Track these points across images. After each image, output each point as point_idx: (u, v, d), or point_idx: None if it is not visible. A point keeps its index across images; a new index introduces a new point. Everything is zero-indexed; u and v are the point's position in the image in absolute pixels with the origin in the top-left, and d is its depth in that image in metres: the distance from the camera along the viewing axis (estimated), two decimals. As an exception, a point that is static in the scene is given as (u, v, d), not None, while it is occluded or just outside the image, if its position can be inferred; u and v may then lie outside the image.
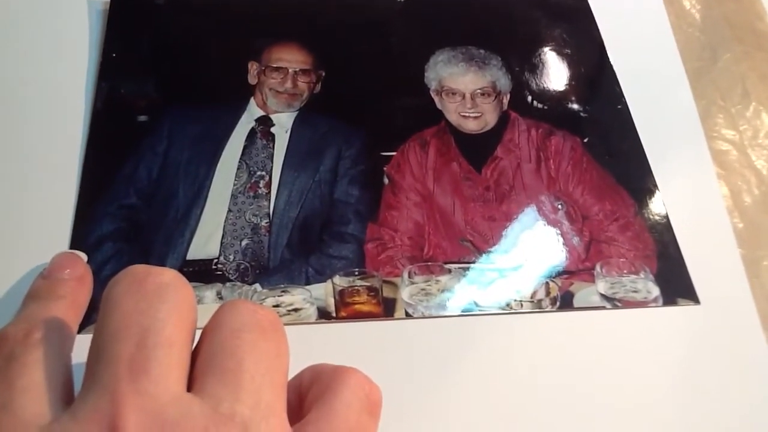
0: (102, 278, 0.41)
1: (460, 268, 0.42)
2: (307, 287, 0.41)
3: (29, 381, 0.25)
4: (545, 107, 0.49)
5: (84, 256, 0.36)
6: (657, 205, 0.45)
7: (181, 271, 0.40)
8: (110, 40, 0.49)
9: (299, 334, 0.38)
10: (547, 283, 0.41)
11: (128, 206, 0.43)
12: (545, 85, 0.50)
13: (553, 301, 0.41)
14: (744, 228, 0.47)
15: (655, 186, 0.46)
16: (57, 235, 0.42)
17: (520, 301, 0.41)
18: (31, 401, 0.24)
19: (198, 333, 0.27)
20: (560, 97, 0.50)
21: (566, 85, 0.51)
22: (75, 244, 0.41)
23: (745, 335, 0.41)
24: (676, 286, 0.42)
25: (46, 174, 0.44)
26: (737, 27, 0.59)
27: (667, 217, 0.45)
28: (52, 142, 0.45)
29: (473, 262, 0.42)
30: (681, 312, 0.41)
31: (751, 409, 0.38)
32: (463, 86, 0.49)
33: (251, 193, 0.44)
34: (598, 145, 0.48)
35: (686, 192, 0.47)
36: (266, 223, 0.43)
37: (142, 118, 0.47)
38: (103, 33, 0.50)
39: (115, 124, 0.46)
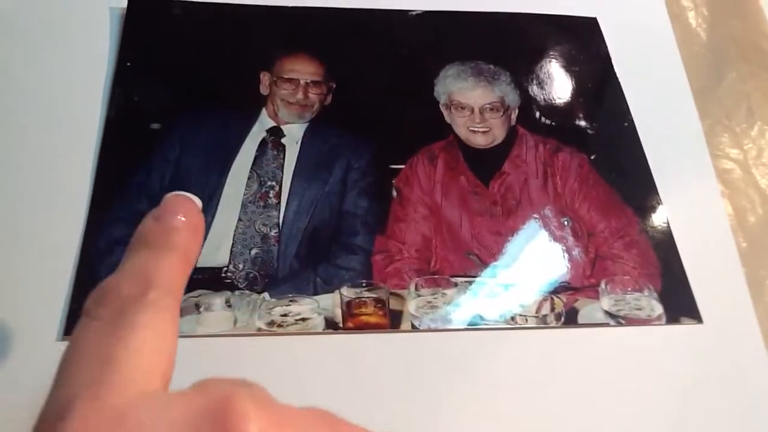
0: (112, 284, 0.41)
1: (466, 281, 0.42)
2: (315, 297, 0.41)
3: (142, 342, 0.23)
4: (553, 123, 0.50)
5: (199, 202, 0.31)
6: (661, 224, 0.46)
7: (190, 277, 0.41)
8: (125, 48, 0.50)
9: (306, 343, 0.38)
10: (552, 298, 0.42)
11: (140, 212, 0.44)
12: (553, 102, 0.51)
13: (558, 317, 0.41)
14: (748, 247, 0.47)
15: (660, 204, 0.47)
16: (68, 238, 0.42)
17: (525, 316, 0.41)
18: (142, 363, 0.23)
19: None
20: (568, 114, 0.51)
21: (574, 101, 0.51)
22: (86, 248, 0.42)
23: (747, 355, 0.41)
24: (680, 304, 0.42)
25: (59, 178, 0.44)
26: (743, 46, 0.59)
27: (671, 235, 0.45)
28: (66, 147, 0.46)
29: (479, 276, 0.43)
30: (684, 331, 0.42)
31: (753, 429, 0.39)
32: (472, 101, 0.50)
33: (261, 203, 0.45)
34: (605, 162, 0.48)
35: (691, 211, 0.47)
36: (275, 233, 0.44)
37: (155, 125, 0.47)
38: (119, 42, 0.51)
39: (128, 131, 0.47)
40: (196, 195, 0.43)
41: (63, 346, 0.37)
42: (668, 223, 0.46)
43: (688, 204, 0.48)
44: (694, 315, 0.42)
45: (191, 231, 0.28)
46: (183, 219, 0.28)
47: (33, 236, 0.42)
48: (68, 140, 0.46)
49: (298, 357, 0.38)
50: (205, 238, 0.43)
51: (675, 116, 0.52)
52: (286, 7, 0.53)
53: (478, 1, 0.55)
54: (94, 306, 0.24)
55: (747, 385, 0.40)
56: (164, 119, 0.48)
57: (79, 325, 0.24)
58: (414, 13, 0.54)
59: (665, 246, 0.45)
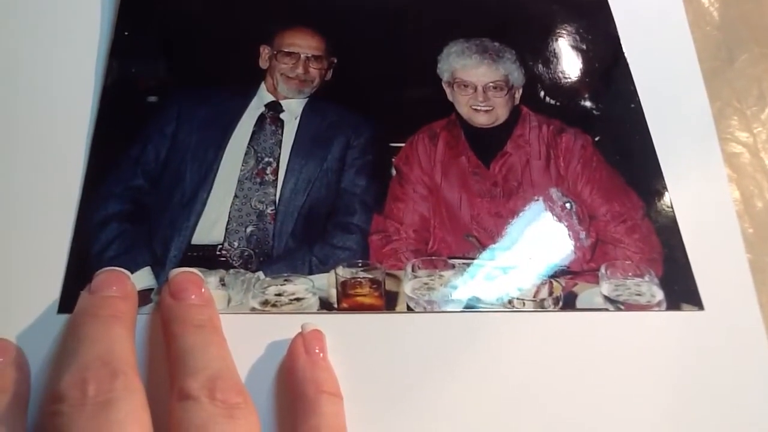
0: (106, 258, 0.41)
1: (463, 263, 0.42)
2: (310, 277, 0.41)
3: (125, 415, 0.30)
4: (557, 103, 0.49)
5: (129, 274, 0.38)
6: (666, 208, 0.45)
7: (185, 255, 0.41)
8: (123, 17, 0.49)
9: (300, 323, 0.38)
10: (550, 282, 0.41)
11: (135, 188, 0.43)
12: (558, 81, 0.50)
13: (556, 301, 0.41)
14: (754, 233, 0.46)
15: (665, 188, 0.46)
16: (62, 213, 0.42)
17: (523, 299, 0.40)
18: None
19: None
20: (573, 94, 0.49)
21: (580, 81, 0.50)
22: (80, 222, 0.42)
23: (748, 343, 0.40)
24: (681, 290, 0.42)
25: (53, 152, 0.44)
26: (756, 28, 0.58)
27: (675, 220, 0.44)
28: (60, 120, 0.45)
29: (477, 258, 0.42)
30: (684, 317, 0.41)
31: (754, 418, 0.38)
32: (475, 79, 0.48)
33: (258, 180, 0.44)
34: (609, 144, 0.47)
35: (696, 195, 0.46)
36: (272, 210, 0.43)
37: (152, 98, 0.47)
38: (117, 10, 0.50)
39: (124, 104, 0.46)
40: (192, 171, 0.43)
41: (62, 319, 0.37)
42: (672, 208, 0.45)
43: (694, 188, 0.47)
44: (696, 301, 0.41)
45: (127, 299, 0.33)
46: (115, 288, 0.36)
47: (29, 210, 0.42)
48: (63, 112, 0.45)
49: (290, 337, 0.37)
50: (201, 215, 0.42)
51: (683, 98, 0.51)
52: (288, -21, 0.52)
53: (485, -23, 0.54)
54: (69, 409, 0.30)
55: (748, 373, 0.40)
56: (161, 92, 0.47)
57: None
58: (419, -13, 0.53)
59: (669, 231, 0.44)
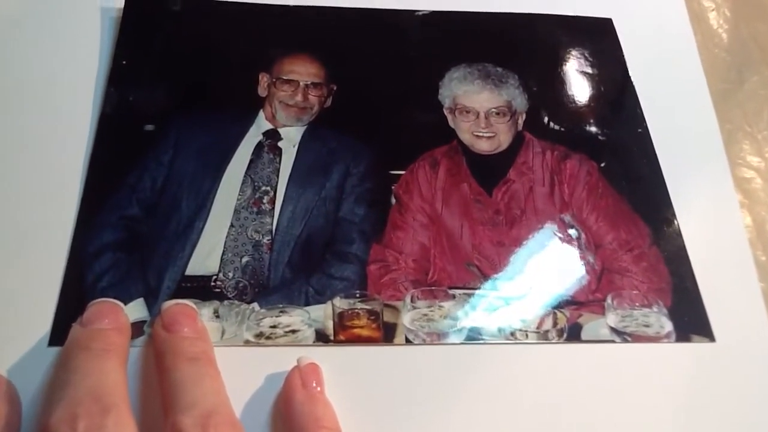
0: (99, 289, 0.40)
1: (464, 294, 0.40)
2: (306, 308, 0.40)
3: None
4: (562, 129, 0.48)
5: (122, 306, 0.37)
6: (674, 236, 0.43)
7: (179, 286, 0.40)
8: (122, 46, 0.49)
9: (296, 356, 0.37)
10: (554, 313, 0.40)
11: (130, 217, 0.43)
12: (563, 106, 0.49)
13: (560, 333, 0.39)
14: (767, 261, 0.45)
15: (674, 215, 0.44)
16: (57, 242, 0.41)
17: (526, 331, 0.39)
18: None
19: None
20: (578, 119, 0.48)
21: (585, 106, 0.49)
22: (74, 252, 0.41)
23: (762, 376, 0.39)
24: (691, 321, 0.40)
25: (49, 180, 0.43)
26: (766, 49, 0.57)
27: (684, 248, 0.43)
28: (57, 148, 0.45)
29: (478, 288, 0.41)
30: (694, 349, 0.39)
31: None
32: (477, 104, 0.48)
33: (255, 209, 0.43)
34: (616, 170, 0.46)
35: (706, 222, 0.45)
36: (268, 240, 0.42)
37: (149, 126, 0.46)
38: (115, 39, 0.49)
39: (122, 132, 0.46)
40: (188, 200, 0.42)
41: (53, 351, 0.36)
42: (681, 235, 0.44)
43: (704, 215, 0.45)
44: (706, 333, 0.40)
45: (119, 332, 0.35)
46: (108, 321, 0.35)
47: (23, 238, 0.41)
48: (60, 140, 0.45)
49: (286, 370, 0.36)
50: (196, 245, 0.42)
51: (692, 122, 0.50)
52: (288, 6, 0.51)
53: (488, 2, 0.53)
54: None
55: (762, 408, 0.38)
56: (159, 120, 0.46)
57: None
58: (421, 13, 0.52)
59: (677, 259, 0.43)
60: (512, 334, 0.39)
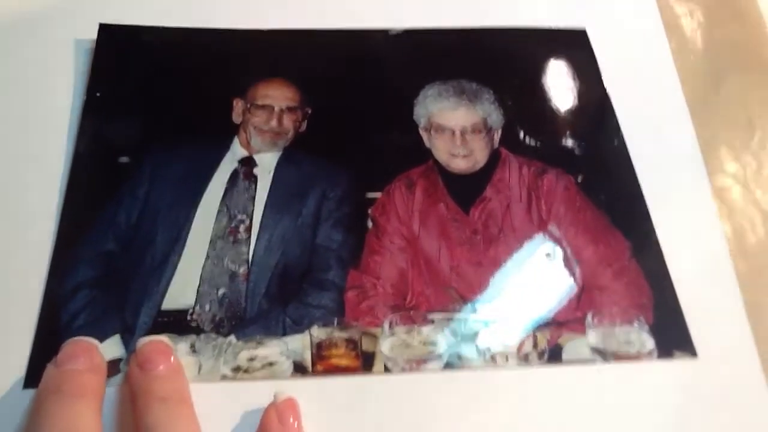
0: (75, 328, 0.40)
1: (443, 318, 0.40)
2: (284, 338, 0.39)
3: None
4: (538, 144, 0.48)
5: (98, 344, 0.37)
6: (654, 249, 0.43)
7: (155, 321, 0.40)
8: (95, 78, 0.49)
9: (274, 390, 0.36)
10: (534, 335, 0.39)
11: (106, 252, 0.42)
12: (539, 120, 0.49)
13: (541, 355, 0.39)
14: (748, 272, 0.44)
15: (653, 228, 0.44)
16: (32, 280, 0.41)
17: (506, 354, 0.39)
18: None
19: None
20: (554, 133, 0.48)
21: (561, 119, 0.49)
22: (49, 290, 0.40)
23: (746, 390, 0.39)
24: (673, 337, 0.40)
25: (24, 215, 0.43)
26: (741, 53, 0.56)
27: (664, 261, 0.43)
28: (32, 182, 0.44)
29: (458, 312, 0.40)
30: (678, 366, 0.39)
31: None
32: (453, 122, 0.47)
33: (231, 238, 0.43)
34: (593, 183, 0.46)
35: (685, 234, 0.44)
36: (244, 270, 0.42)
37: (124, 159, 0.46)
38: (89, 71, 0.49)
39: (96, 166, 0.45)
40: (163, 233, 0.42)
41: (29, 394, 0.36)
42: (661, 248, 0.43)
43: (683, 226, 0.45)
44: (688, 348, 0.40)
45: (94, 372, 0.32)
46: (83, 360, 0.35)
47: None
48: (34, 175, 0.45)
49: (264, 406, 0.36)
50: (171, 278, 0.41)
51: (669, 131, 0.50)
52: (261, 30, 0.51)
53: (461, 18, 0.53)
54: None
55: (747, 423, 0.38)
56: (133, 152, 0.46)
57: None
58: (394, 32, 0.52)
59: (657, 273, 0.42)
60: (492, 357, 0.39)
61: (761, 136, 0.52)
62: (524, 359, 0.39)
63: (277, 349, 0.39)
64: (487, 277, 0.42)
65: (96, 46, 0.50)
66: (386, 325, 0.40)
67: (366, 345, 0.39)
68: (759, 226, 0.47)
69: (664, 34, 0.55)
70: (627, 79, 0.52)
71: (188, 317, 0.40)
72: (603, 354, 0.39)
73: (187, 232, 0.43)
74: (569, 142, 0.48)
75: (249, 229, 0.43)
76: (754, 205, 0.48)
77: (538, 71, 0.51)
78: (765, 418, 0.38)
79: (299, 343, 0.39)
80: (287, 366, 0.38)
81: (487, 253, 0.43)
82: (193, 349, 0.39)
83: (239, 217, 0.44)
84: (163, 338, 0.38)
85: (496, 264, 0.42)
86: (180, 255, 0.42)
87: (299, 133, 0.47)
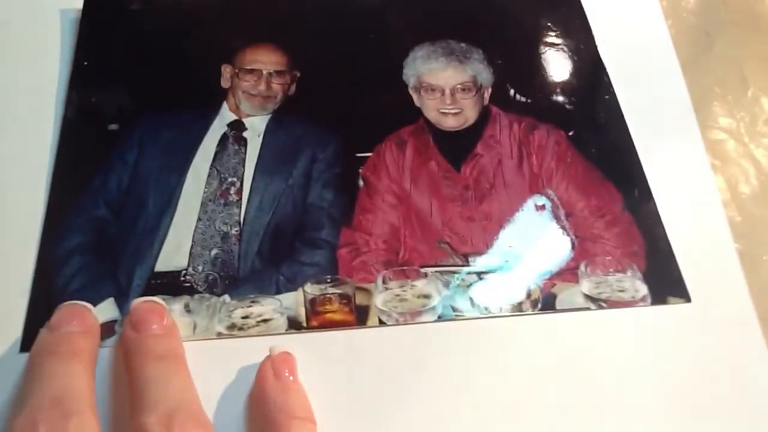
0: (69, 292, 0.40)
1: (436, 271, 0.40)
2: (278, 296, 0.39)
3: None
4: (528, 100, 0.47)
5: (91, 307, 0.37)
6: (646, 200, 0.43)
7: (148, 284, 0.40)
8: (82, 47, 0.48)
9: (269, 345, 0.37)
10: (528, 285, 0.39)
11: (97, 218, 0.42)
12: (529, 78, 0.48)
13: (534, 304, 0.39)
14: (742, 221, 0.45)
15: (645, 179, 0.44)
16: (25, 247, 0.41)
17: (499, 305, 0.39)
18: None
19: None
20: (544, 90, 0.48)
21: (551, 76, 0.49)
22: (42, 256, 0.40)
23: (740, 334, 0.39)
24: (666, 283, 0.40)
25: (13, 185, 0.43)
26: (734, 8, 0.56)
27: (657, 212, 0.43)
28: (21, 153, 0.44)
29: (450, 265, 0.40)
30: (671, 311, 0.39)
31: (749, 414, 0.36)
32: (442, 81, 0.47)
33: (222, 201, 0.43)
34: (585, 138, 0.46)
35: (679, 185, 0.44)
36: (236, 231, 0.42)
37: (113, 126, 0.46)
38: (75, 40, 0.49)
39: (85, 134, 0.45)
40: (154, 197, 0.42)
41: (24, 358, 0.36)
42: (653, 199, 0.43)
43: (676, 178, 0.45)
44: (682, 294, 0.40)
45: (87, 334, 0.34)
46: (76, 323, 0.35)
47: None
48: (23, 144, 0.45)
49: (259, 361, 0.36)
50: (164, 241, 0.41)
51: (661, 87, 0.50)
52: (247, -5, 0.51)
53: (449, -22, 0.53)
54: None
55: (741, 367, 0.38)
56: (122, 119, 0.46)
57: None
58: (382, -7, 0.52)
59: (650, 223, 0.42)
60: (486, 308, 0.39)
61: (754, 92, 0.52)
62: (518, 308, 0.39)
63: (271, 307, 0.39)
64: (479, 231, 0.42)
65: (82, 15, 0.50)
66: (380, 280, 0.40)
67: (360, 300, 0.39)
68: (753, 177, 0.47)
69: (654, -9, 0.54)
70: (618, 36, 0.51)
71: (182, 278, 0.40)
72: (596, 301, 0.39)
73: (178, 196, 0.43)
74: (560, 98, 0.48)
75: (240, 192, 0.43)
76: (747, 158, 0.48)
77: (528, 29, 0.51)
78: (757, 360, 0.38)
79: (293, 300, 0.39)
80: (282, 322, 0.38)
81: (479, 208, 0.43)
82: (188, 309, 0.39)
83: (230, 179, 0.44)
84: (157, 299, 0.38)
85: (489, 218, 0.42)
86: (172, 218, 0.42)
87: (288, 97, 0.47)
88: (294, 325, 0.38)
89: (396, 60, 0.48)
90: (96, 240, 0.41)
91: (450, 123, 0.46)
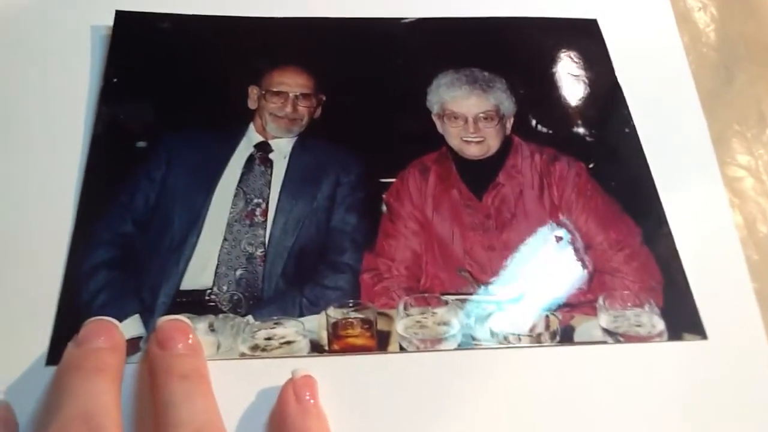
0: (95, 307, 0.40)
1: (457, 299, 0.41)
2: (301, 319, 0.40)
3: None
4: (550, 131, 0.48)
5: (118, 323, 0.37)
6: (665, 235, 0.44)
7: (173, 302, 0.40)
8: (112, 64, 0.49)
9: (291, 367, 0.37)
10: (547, 316, 0.40)
11: (124, 234, 0.43)
12: (550, 108, 0.49)
13: (553, 336, 0.39)
14: (760, 260, 0.45)
15: (664, 214, 0.45)
16: (52, 263, 0.41)
17: (519, 335, 0.39)
18: None
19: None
20: (566, 121, 0.49)
21: (572, 108, 0.49)
22: (69, 271, 0.41)
23: (755, 373, 0.39)
24: (683, 320, 0.40)
25: (43, 201, 0.44)
26: (754, 46, 0.57)
27: (675, 247, 0.43)
28: (50, 168, 0.45)
29: (471, 294, 0.41)
30: (687, 347, 0.40)
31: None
32: (465, 110, 0.48)
33: (247, 222, 0.44)
34: (605, 170, 0.46)
35: (697, 221, 0.45)
36: (261, 252, 0.42)
37: (141, 143, 0.47)
38: (106, 57, 0.50)
39: (114, 150, 0.46)
40: (181, 216, 0.43)
41: (50, 371, 0.37)
42: (672, 235, 0.44)
43: (694, 214, 0.45)
44: (698, 330, 0.40)
45: (114, 350, 0.34)
46: (103, 339, 0.35)
47: (19, 258, 0.42)
48: (52, 160, 0.45)
49: (281, 383, 0.36)
50: (189, 259, 0.42)
51: (680, 121, 0.50)
52: (276, 18, 0.52)
53: (474, 7, 0.54)
54: None
55: (756, 405, 0.38)
56: (150, 137, 0.47)
57: None
58: (406, 20, 0.53)
59: (669, 258, 0.43)
60: (505, 338, 0.39)
61: (773, 129, 0.52)
62: (537, 340, 0.39)
63: (293, 329, 0.39)
64: (500, 260, 0.42)
65: (112, 32, 0.51)
66: (401, 306, 0.40)
67: (381, 325, 0.40)
68: (769, 214, 0.47)
69: (675, 26, 0.55)
70: (638, 69, 0.52)
71: (206, 297, 0.41)
72: (614, 335, 0.40)
73: (205, 215, 0.44)
74: (580, 130, 0.48)
75: (265, 213, 0.44)
76: (765, 196, 0.49)
77: (550, 60, 0.52)
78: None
79: (316, 323, 0.39)
80: (304, 344, 0.39)
81: (500, 237, 0.43)
82: (212, 329, 0.39)
83: (255, 200, 0.44)
84: (183, 318, 0.38)
85: (509, 248, 0.43)
86: (198, 237, 0.43)
87: (314, 120, 0.48)
88: (316, 348, 0.39)
89: (420, 86, 0.49)
90: (122, 256, 0.42)
91: (473, 151, 0.47)
